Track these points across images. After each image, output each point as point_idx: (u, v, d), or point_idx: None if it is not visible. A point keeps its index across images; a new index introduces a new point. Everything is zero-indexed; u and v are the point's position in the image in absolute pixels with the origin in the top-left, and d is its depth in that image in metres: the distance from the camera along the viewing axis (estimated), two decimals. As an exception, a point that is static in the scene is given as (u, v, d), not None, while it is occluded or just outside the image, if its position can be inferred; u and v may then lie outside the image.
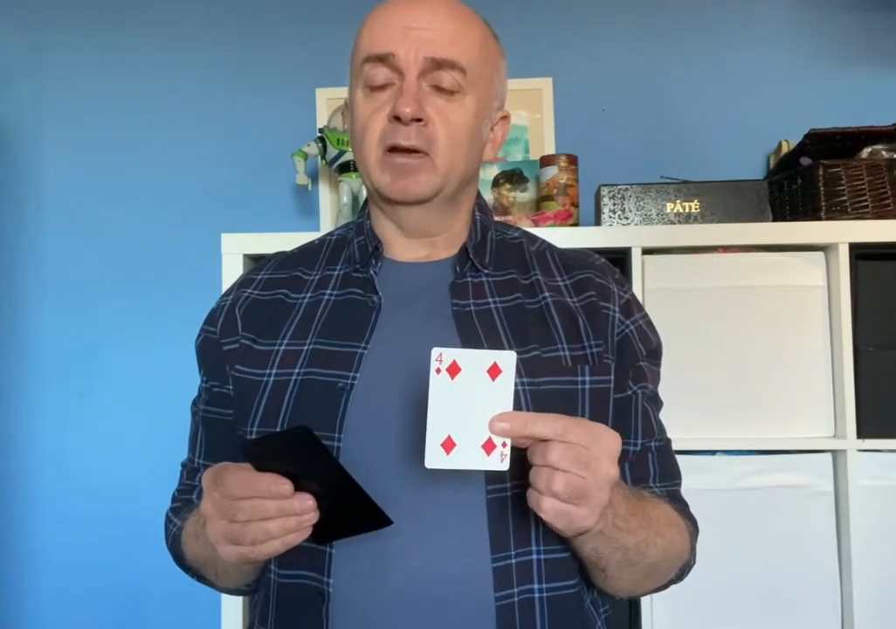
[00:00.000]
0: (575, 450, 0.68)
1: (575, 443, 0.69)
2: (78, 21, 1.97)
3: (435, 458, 0.68)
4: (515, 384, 0.81)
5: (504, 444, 0.68)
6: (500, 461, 0.69)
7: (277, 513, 0.70)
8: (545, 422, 0.69)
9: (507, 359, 0.68)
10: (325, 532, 0.74)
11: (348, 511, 0.73)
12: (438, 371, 0.68)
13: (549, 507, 0.69)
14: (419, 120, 0.84)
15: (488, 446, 0.68)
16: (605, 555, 0.79)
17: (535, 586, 0.81)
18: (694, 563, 0.93)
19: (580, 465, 0.68)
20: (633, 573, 0.83)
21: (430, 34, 0.84)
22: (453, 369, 0.68)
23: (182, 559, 0.93)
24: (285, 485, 0.70)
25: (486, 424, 0.68)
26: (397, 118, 0.84)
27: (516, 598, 0.80)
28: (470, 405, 0.68)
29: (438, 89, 0.85)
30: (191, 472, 0.98)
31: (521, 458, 0.78)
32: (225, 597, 1.46)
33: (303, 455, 0.69)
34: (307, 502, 0.70)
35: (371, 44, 0.86)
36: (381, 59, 0.85)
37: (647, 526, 0.80)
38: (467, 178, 0.91)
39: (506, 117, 0.96)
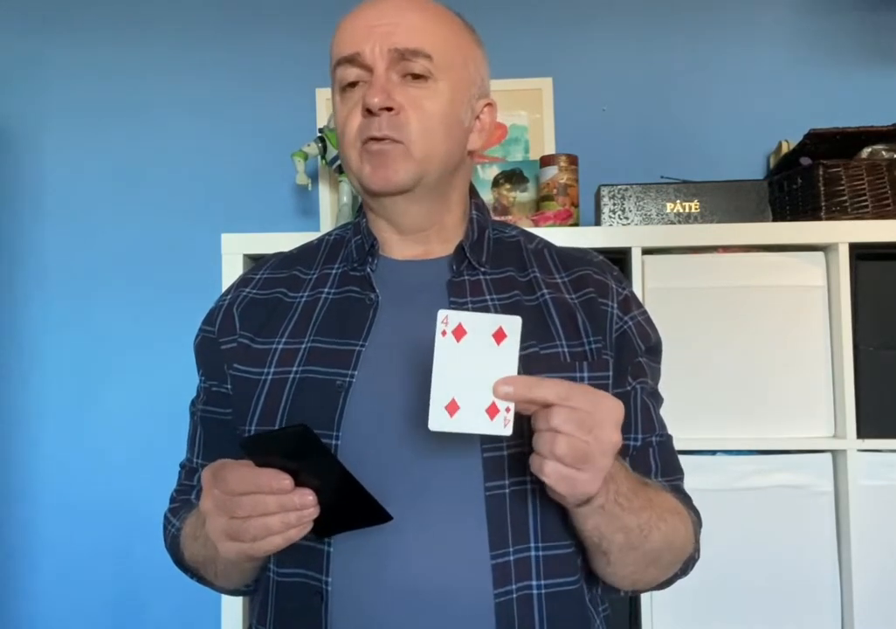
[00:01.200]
0: (578, 414, 0.68)
1: (578, 407, 0.68)
2: (78, 21, 1.97)
3: (438, 421, 0.68)
4: None
5: (508, 409, 0.68)
6: (503, 426, 0.68)
7: (278, 508, 0.70)
8: (549, 387, 0.69)
9: (513, 323, 0.68)
10: (325, 527, 0.74)
11: (348, 506, 0.74)
12: (444, 333, 0.68)
13: (551, 471, 0.69)
14: (389, 109, 0.85)
15: (492, 410, 0.68)
16: (606, 535, 0.79)
17: (534, 583, 0.81)
18: (698, 558, 0.93)
19: (583, 430, 0.68)
20: (636, 558, 0.82)
21: (393, 28, 0.86)
22: (459, 332, 0.68)
23: (181, 559, 0.93)
24: (285, 481, 0.70)
25: (490, 388, 0.68)
26: (369, 112, 0.85)
27: (515, 595, 0.80)
28: (475, 369, 0.68)
29: (408, 78, 0.86)
30: (189, 472, 0.98)
31: (520, 455, 0.78)
32: (225, 598, 1.46)
33: (302, 452, 0.69)
34: (307, 497, 0.70)
35: (340, 47, 0.88)
36: (350, 60, 0.87)
37: (649, 508, 0.80)
38: (450, 165, 0.90)
39: (490, 104, 0.95)
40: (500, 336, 0.68)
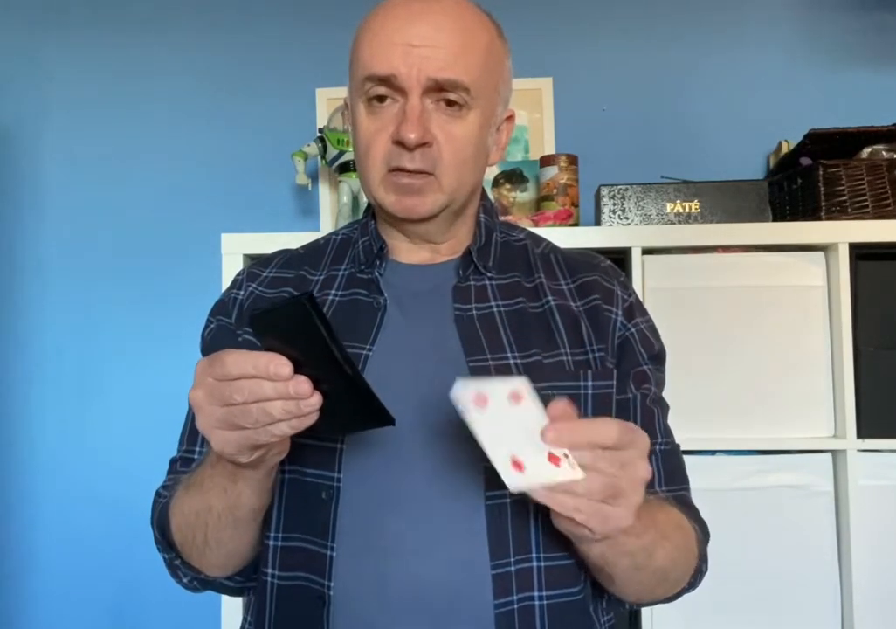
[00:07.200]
0: (610, 452, 0.67)
1: (611, 447, 0.67)
2: (77, 22, 1.97)
3: (514, 481, 0.67)
4: None
5: (566, 455, 0.67)
6: (571, 470, 0.67)
7: (276, 395, 0.65)
8: (593, 429, 0.67)
9: (521, 385, 0.67)
10: (327, 424, 0.69)
11: (348, 402, 0.69)
12: (468, 409, 0.67)
13: (584, 507, 0.67)
14: (424, 143, 0.83)
15: (553, 459, 0.67)
16: (611, 561, 0.78)
17: (536, 593, 0.80)
18: (706, 570, 0.91)
19: (615, 467, 0.66)
20: (641, 578, 0.82)
21: (433, 52, 0.82)
22: (480, 400, 0.67)
23: (166, 532, 0.87)
24: (285, 366, 0.65)
25: (537, 441, 0.66)
26: (401, 142, 0.83)
27: (516, 605, 0.79)
28: (513, 428, 0.67)
29: (441, 103, 0.84)
30: (185, 462, 0.93)
31: None
32: (225, 599, 1.45)
33: (304, 331, 0.64)
34: (303, 385, 0.65)
35: (372, 62, 0.84)
36: (384, 80, 0.83)
37: (653, 527, 0.78)
38: (475, 189, 0.91)
39: (510, 117, 0.94)
40: (516, 398, 0.67)
